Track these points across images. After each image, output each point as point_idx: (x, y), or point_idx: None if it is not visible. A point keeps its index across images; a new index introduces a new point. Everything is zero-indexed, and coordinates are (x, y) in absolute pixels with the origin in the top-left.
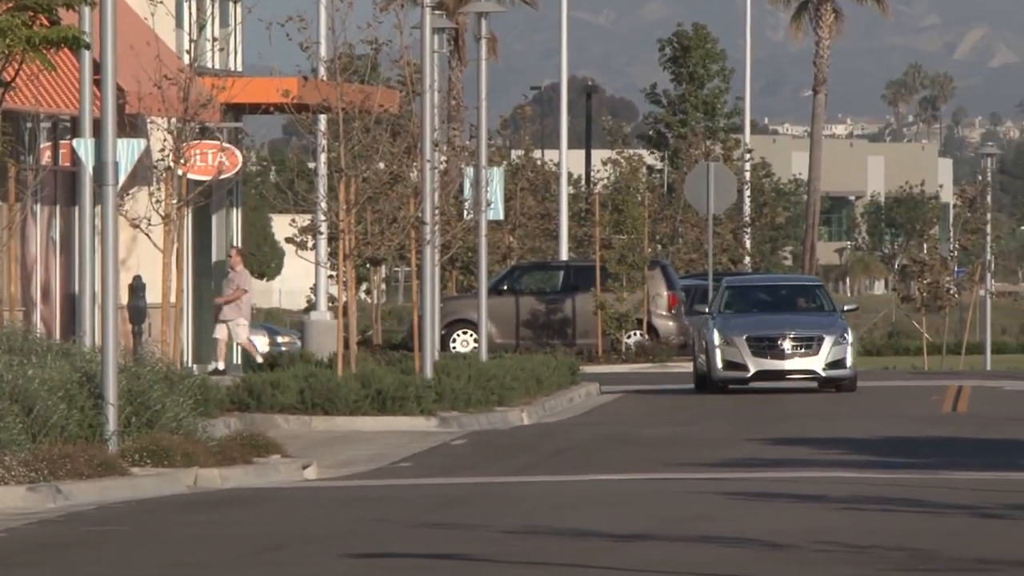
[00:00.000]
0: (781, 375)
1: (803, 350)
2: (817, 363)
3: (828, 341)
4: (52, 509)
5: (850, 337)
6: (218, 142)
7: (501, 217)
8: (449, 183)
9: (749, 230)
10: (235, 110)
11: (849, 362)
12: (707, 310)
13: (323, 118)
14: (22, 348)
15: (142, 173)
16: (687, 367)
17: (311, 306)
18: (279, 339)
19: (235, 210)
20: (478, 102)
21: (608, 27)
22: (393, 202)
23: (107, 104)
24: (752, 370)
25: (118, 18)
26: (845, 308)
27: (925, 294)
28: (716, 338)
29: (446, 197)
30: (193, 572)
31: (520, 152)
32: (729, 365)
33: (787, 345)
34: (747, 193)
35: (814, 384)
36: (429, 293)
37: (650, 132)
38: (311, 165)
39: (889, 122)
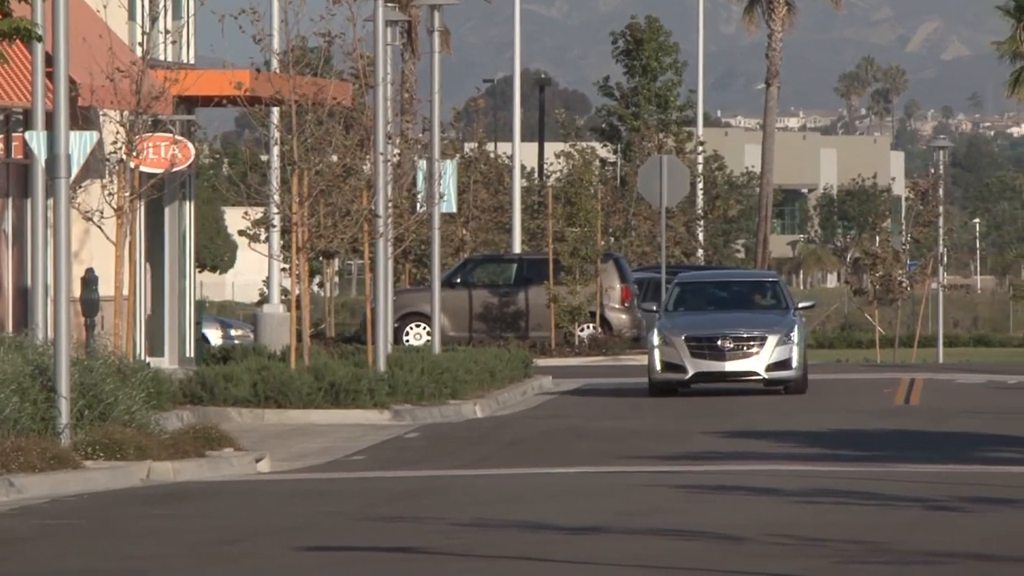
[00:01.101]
0: (721, 377)
1: (744, 350)
2: (759, 364)
3: (771, 341)
4: (4, 503)
5: (796, 336)
6: (171, 135)
7: (454, 210)
8: (402, 176)
9: (702, 223)
10: (188, 103)
11: (795, 363)
12: (654, 308)
13: (276, 111)
14: None
15: (94, 166)
16: (640, 360)
17: (264, 299)
18: (232, 332)
19: (188, 203)
20: (431, 95)
21: (561, 20)
22: (346, 195)
23: (59, 97)
24: (690, 372)
25: (70, 10)
26: (800, 306)
27: (877, 287)
28: (655, 338)
29: (399, 190)
30: (146, 565)
31: (473, 145)
32: (668, 367)
33: (727, 345)
34: (700, 186)
35: (759, 386)
36: (382, 286)
37: (603, 125)
38: (264, 158)
39: (841, 115)
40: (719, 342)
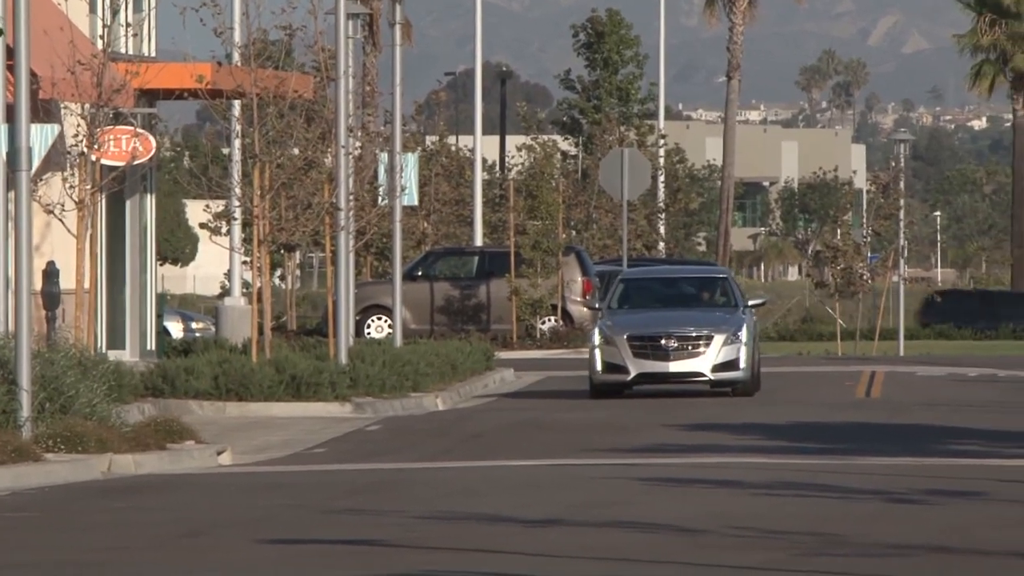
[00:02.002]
0: (665, 378)
1: (690, 350)
2: (704, 364)
3: (718, 340)
4: None
5: (745, 335)
6: (132, 128)
7: (416, 203)
8: (364, 169)
9: (663, 216)
10: (149, 96)
11: (743, 363)
12: (597, 306)
13: (237, 104)
14: None
15: (56, 159)
16: None
17: (225, 292)
18: (193, 325)
19: (149, 196)
20: (393, 88)
21: (522, 13)
22: (307, 188)
23: (20, 89)
24: (632, 373)
25: (31, 3)
26: (751, 303)
27: (839, 280)
28: (596, 338)
29: (361, 183)
30: (105, 558)
31: (435, 138)
32: (609, 368)
33: (671, 345)
34: (661, 179)
35: (705, 387)
36: (343, 279)
37: (564, 118)
38: (225, 151)
39: (803, 108)
40: (663, 341)
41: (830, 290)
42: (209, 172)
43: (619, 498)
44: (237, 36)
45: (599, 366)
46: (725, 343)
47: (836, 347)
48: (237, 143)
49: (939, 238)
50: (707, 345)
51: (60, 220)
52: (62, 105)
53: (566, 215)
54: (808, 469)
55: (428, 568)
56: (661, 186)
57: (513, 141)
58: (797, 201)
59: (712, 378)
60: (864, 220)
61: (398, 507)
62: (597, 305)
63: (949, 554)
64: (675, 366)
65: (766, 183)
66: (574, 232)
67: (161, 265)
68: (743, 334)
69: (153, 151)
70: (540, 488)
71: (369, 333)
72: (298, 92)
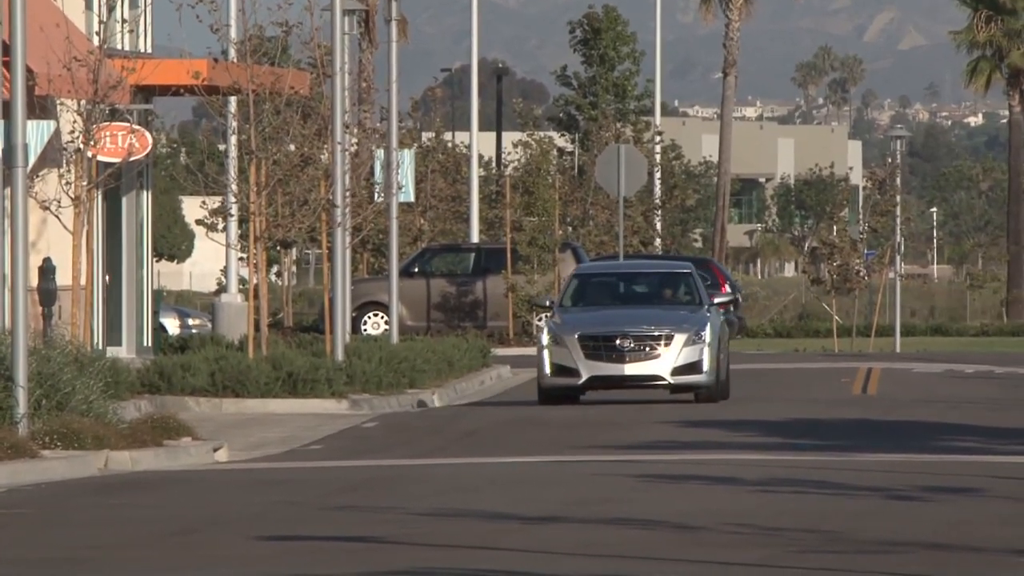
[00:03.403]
0: (620, 382)
1: (647, 351)
2: (663, 367)
3: (678, 340)
4: None
5: (708, 335)
6: (128, 124)
7: (412, 199)
8: (360, 165)
9: (660, 212)
10: (145, 92)
11: (706, 366)
12: (547, 303)
13: (233, 100)
14: None
15: (52, 155)
16: None
17: (222, 288)
18: (190, 321)
19: (145, 192)
20: (389, 84)
21: (519, 9)
22: (304, 184)
23: (16, 86)
24: (584, 376)
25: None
26: (716, 300)
27: (835, 276)
28: (545, 338)
29: (357, 179)
30: (102, 555)
31: (431, 134)
32: (559, 370)
33: (627, 345)
34: (657, 175)
35: (665, 392)
36: (340, 275)
37: (561, 115)
38: (221, 147)
39: (799, 104)
40: (617, 341)
41: (826, 287)
42: (205, 168)
43: (615, 495)
44: (233, 32)
45: (547, 368)
46: (687, 343)
47: (833, 344)
48: (233, 139)
49: (935, 235)
50: (667, 346)
51: (56, 216)
52: (58, 101)
53: (562, 211)
54: (805, 466)
55: (425, 565)
56: (657, 183)
57: (509, 137)
58: (793, 198)
59: (672, 382)
60: (860, 216)
61: (394, 504)
62: (548, 302)
63: (946, 551)
64: (631, 368)
65: (762, 179)
66: (570, 228)
67: (157, 261)
68: (706, 334)
69: (149, 147)
70: (536, 485)
71: (366, 330)
72: (294, 88)
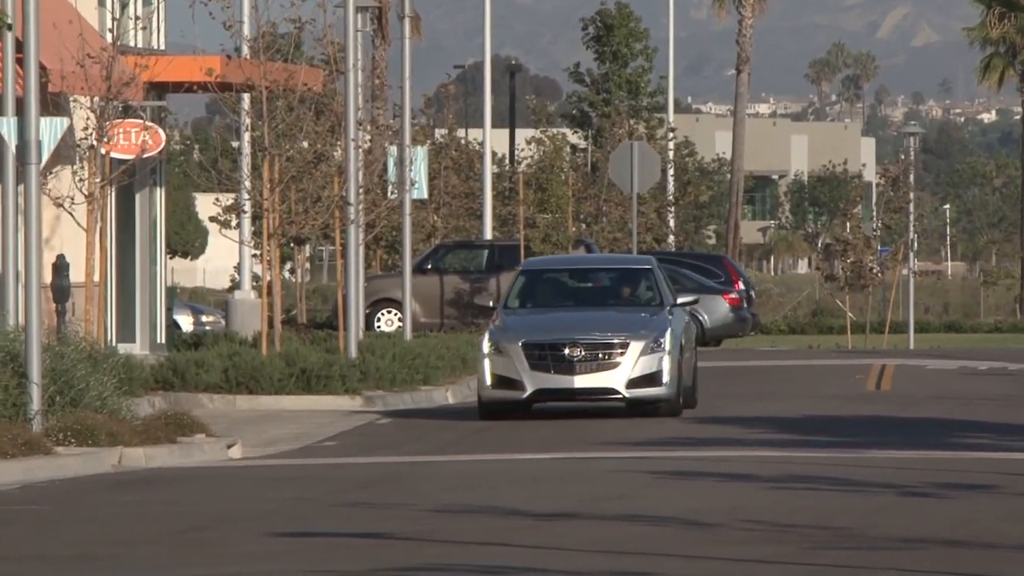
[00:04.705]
0: (569, 395)
1: (600, 361)
2: (617, 379)
3: (635, 348)
4: None
5: (668, 342)
6: (141, 121)
7: (425, 196)
8: (373, 162)
9: (673, 209)
10: (158, 89)
11: (666, 376)
12: (490, 304)
13: (246, 97)
14: None
15: (65, 152)
16: None
17: (235, 285)
18: (203, 318)
19: (159, 189)
20: (402, 81)
21: (531, 6)
22: (317, 181)
23: (30, 83)
24: (529, 389)
25: None
26: (680, 301)
27: (849, 273)
28: (485, 345)
29: (370, 176)
30: (116, 551)
31: (444, 131)
32: (500, 382)
33: (577, 354)
34: (671, 172)
35: (620, 405)
36: (353, 272)
37: (574, 111)
38: (235, 144)
39: (812, 101)
40: (566, 351)
41: (840, 283)
42: (219, 165)
43: (628, 491)
44: (246, 29)
45: (488, 379)
46: (644, 352)
47: (846, 340)
48: (247, 136)
49: (949, 231)
50: (622, 354)
51: (70, 213)
52: (71, 98)
53: (576, 208)
54: (819, 462)
55: (438, 561)
56: (671, 179)
57: (523, 134)
58: (807, 194)
59: (627, 395)
60: (874, 213)
61: (408, 500)
62: (491, 303)
63: (960, 547)
64: (582, 381)
65: (776, 176)
66: (584, 225)
67: (171, 258)
68: (666, 341)
69: (162, 144)
70: (549, 481)
71: (379, 326)
72: (307, 85)
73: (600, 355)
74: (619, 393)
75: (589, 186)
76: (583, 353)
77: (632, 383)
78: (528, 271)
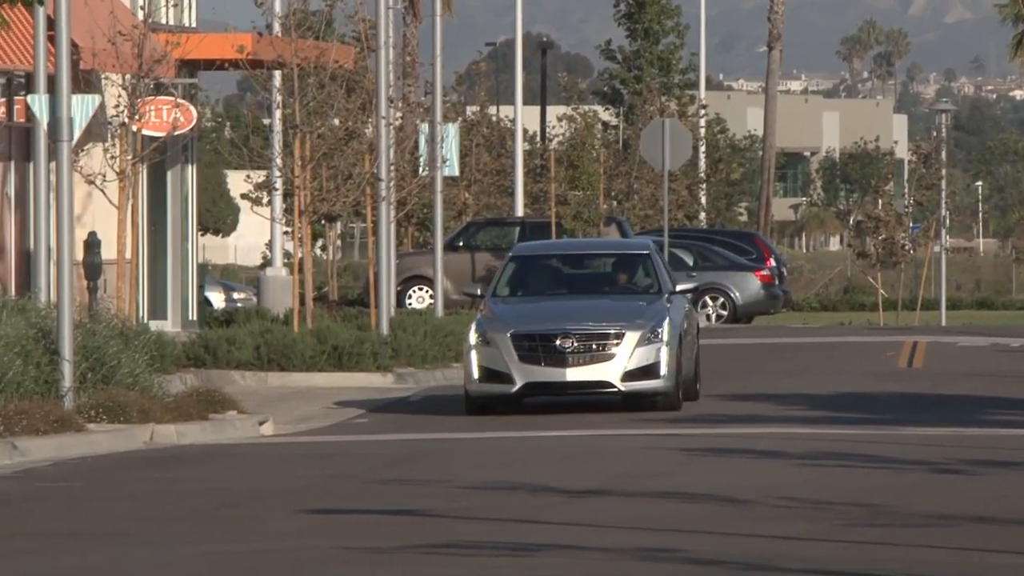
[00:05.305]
0: (561, 389)
1: (593, 352)
2: (612, 371)
3: (630, 339)
4: (7, 465)
5: (666, 332)
6: (173, 98)
7: (456, 173)
8: (404, 139)
9: (704, 186)
10: (190, 66)
11: (663, 369)
12: (478, 293)
13: (278, 74)
14: None
15: (97, 129)
16: None
17: (266, 262)
18: (235, 295)
19: (190, 166)
20: (433, 58)
21: None
22: (348, 158)
23: (61, 60)
24: (519, 382)
25: None
26: (679, 288)
27: (880, 250)
28: (472, 336)
29: (401, 153)
30: (147, 528)
31: (475, 108)
32: (488, 375)
33: (570, 345)
34: (702, 149)
35: (616, 400)
36: (385, 249)
37: (605, 88)
38: (266, 121)
39: (844, 78)
40: (558, 341)
41: (872, 260)
42: (250, 143)
43: (661, 468)
44: (277, 6)
45: (475, 372)
46: (640, 342)
47: (878, 317)
48: (278, 114)
49: (981, 208)
50: (617, 345)
51: (101, 191)
52: (103, 76)
53: (607, 185)
54: (851, 439)
55: (470, 538)
56: (702, 156)
57: (554, 111)
58: (838, 171)
59: (623, 389)
60: (906, 190)
61: (440, 477)
62: (479, 291)
63: (992, 524)
64: (575, 373)
65: (807, 153)
66: (615, 202)
67: (202, 235)
68: (664, 330)
69: (194, 122)
70: (582, 458)
71: (410, 303)
72: (339, 63)
73: (594, 346)
74: (614, 386)
75: (620, 163)
76: (576, 344)
77: (628, 375)
78: (518, 257)
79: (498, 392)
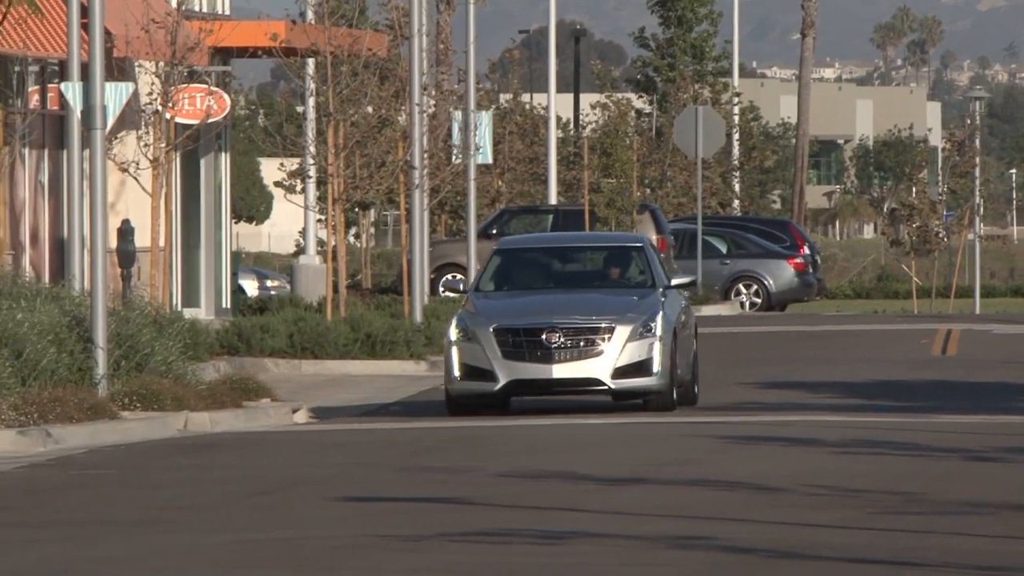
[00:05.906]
0: (547, 387)
1: (581, 348)
2: (601, 368)
3: (621, 333)
4: (42, 453)
5: (659, 327)
6: (206, 86)
7: (490, 161)
8: (438, 127)
9: (738, 174)
10: (223, 54)
11: (657, 365)
12: (461, 289)
13: (311, 62)
14: (11, 292)
15: (130, 117)
16: None
17: (300, 250)
18: (268, 283)
19: (223, 154)
20: (466, 46)
21: None
22: (382, 146)
23: (95, 48)
24: (502, 380)
25: None
26: (675, 282)
27: (914, 238)
28: (452, 332)
29: (435, 141)
30: (181, 516)
31: (509, 96)
32: (470, 372)
33: (556, 340)
34: (735, 137)
35: (605, 398)
36: (418, 237)
37: (638, 76)
38: (299, 109)
39: (877, 65)
40: (544, 336)
41: (906, 248)
42: (284, 130)
43: (694, 456)
44: None
45: (456, 370)
46: (632, 337)
47: (912, 305)
48: (311, 101)
49: (1015, 196)
50: (607, 340)
51: (135, 178)
52: (136, 63)
53: (640, 173)
54: (885, 427)
55: (504, 526)
56: (736, 144)
57: (587, 99)
58: (872, 159)
59: (613, 386)
60: (940, 178)
61: (473, 464)
62: (462, 287)
63: None
64: (561, 370)
65: (841, 141)
66: (648, 190)
67: (236, 223)
68: (657, 325)
69: (227, 109)
70: (615, 446)
71: (444, 291)
72: (372, 50)
73: (582, 341)
74: (604, 384)
75: (654, 151)
76: (563, 339)
77: (618, 372)
78: (503, 250)
79: (480, 390)
